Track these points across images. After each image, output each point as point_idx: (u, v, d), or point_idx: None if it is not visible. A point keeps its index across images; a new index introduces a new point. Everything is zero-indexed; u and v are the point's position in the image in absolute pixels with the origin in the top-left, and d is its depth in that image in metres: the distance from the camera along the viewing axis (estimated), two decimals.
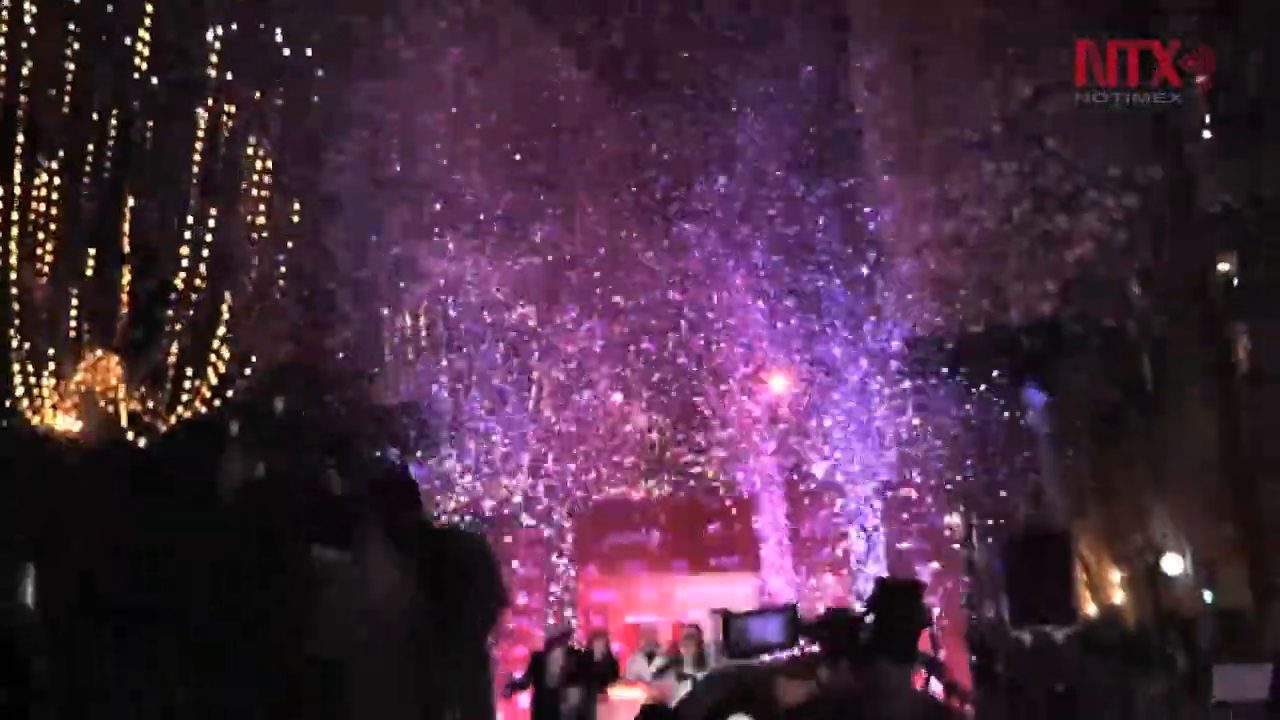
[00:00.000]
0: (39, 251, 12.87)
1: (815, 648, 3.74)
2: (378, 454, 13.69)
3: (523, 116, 13.63)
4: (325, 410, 15.08)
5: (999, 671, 10.90)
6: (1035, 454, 15.60)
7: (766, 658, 4.62)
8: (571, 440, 14.72)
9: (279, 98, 12.77)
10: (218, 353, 13.17)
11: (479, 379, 14.63)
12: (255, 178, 12.99)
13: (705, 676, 9.54)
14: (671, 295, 14.29)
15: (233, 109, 12.77)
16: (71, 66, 12.46)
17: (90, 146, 12.87)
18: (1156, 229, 13.35)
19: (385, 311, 14.17)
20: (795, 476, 14.60)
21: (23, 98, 12.31)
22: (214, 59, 12.58)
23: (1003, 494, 15.09)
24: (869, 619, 3.35)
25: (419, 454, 15.05)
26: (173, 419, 13.53)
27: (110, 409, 13.53)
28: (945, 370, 14.27)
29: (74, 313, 13.04)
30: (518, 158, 13.79)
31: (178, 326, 13.16)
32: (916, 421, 14.46)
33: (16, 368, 13.36)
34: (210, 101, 12.69)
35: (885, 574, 14.05)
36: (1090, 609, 16.92)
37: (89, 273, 12.96)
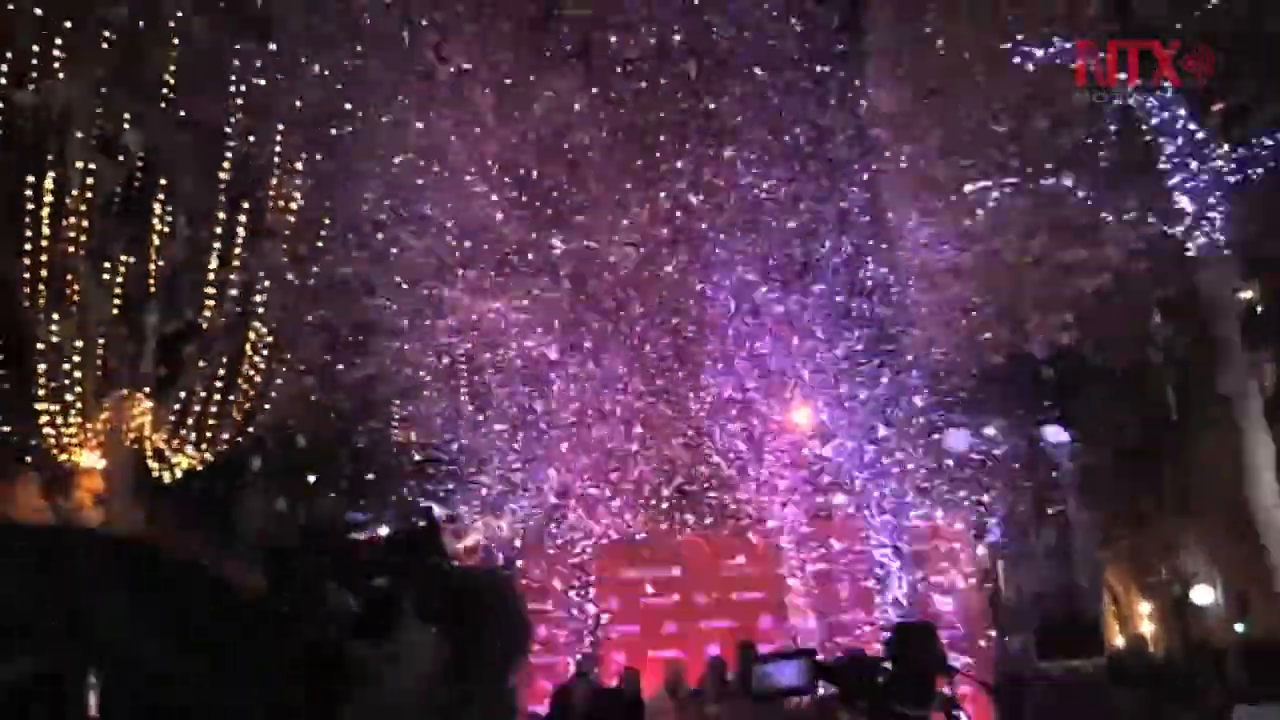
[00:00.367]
0: (66, 291, 13.10)
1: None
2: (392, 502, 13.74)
3: (541, 152, 13.76)
4: (344, 446, 15.19)
5: (1025, 708, 10.72)
6: (1060, 485, 15.47)
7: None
8: (592, 474, 14.70)
9: (302, 136, 12.95)
10: (240, 390, 13.30)
11: (497, 413, 14.66)
12: (277, 216, 13.17)
13: None
14: (691, 329, 14.31)
15: (257, 149, 12.97)
16: (100, 106, 12.74)
17: (117, 186, 13.14)
18: (1177, 258, 13.30)
19: (404, 347, 14.23)
20: (818, 510, 14.49)
21: (52, 138, 12.58)
22: (239, 99, 12.79)
23: (1027, 526, 14.94)
24: (886, 662, 3.35)
25: (436, 489, 15.09)
26: (196, 456, 13.66)
27: (135, 447, 13.67)
28: (967, 402, 14.19)
29: (100, 352, 13.24)
30: (536, 193, 13.90)
31: (202, 364, 13.31)
32: (939, 454, 14.36)
33: (42, 406, 13.56)
34: (235, 140, 12.90)
35: (910, 606, 13.93)
36: (1119, 640, 16.69)
37: (115, 312, 13.17)
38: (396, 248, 13.65)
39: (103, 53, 12.51)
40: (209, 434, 13.60)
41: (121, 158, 12.84)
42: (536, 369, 14.55)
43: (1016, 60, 12.49)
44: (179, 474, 14.04)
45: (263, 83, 12.66)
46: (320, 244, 13.35)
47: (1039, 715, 10.68)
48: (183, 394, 13.50)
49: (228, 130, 12.82)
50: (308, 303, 13.53)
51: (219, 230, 12.95)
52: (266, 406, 13.54)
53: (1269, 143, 13.23)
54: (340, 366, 14.17)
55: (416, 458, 15.04)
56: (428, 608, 3.95)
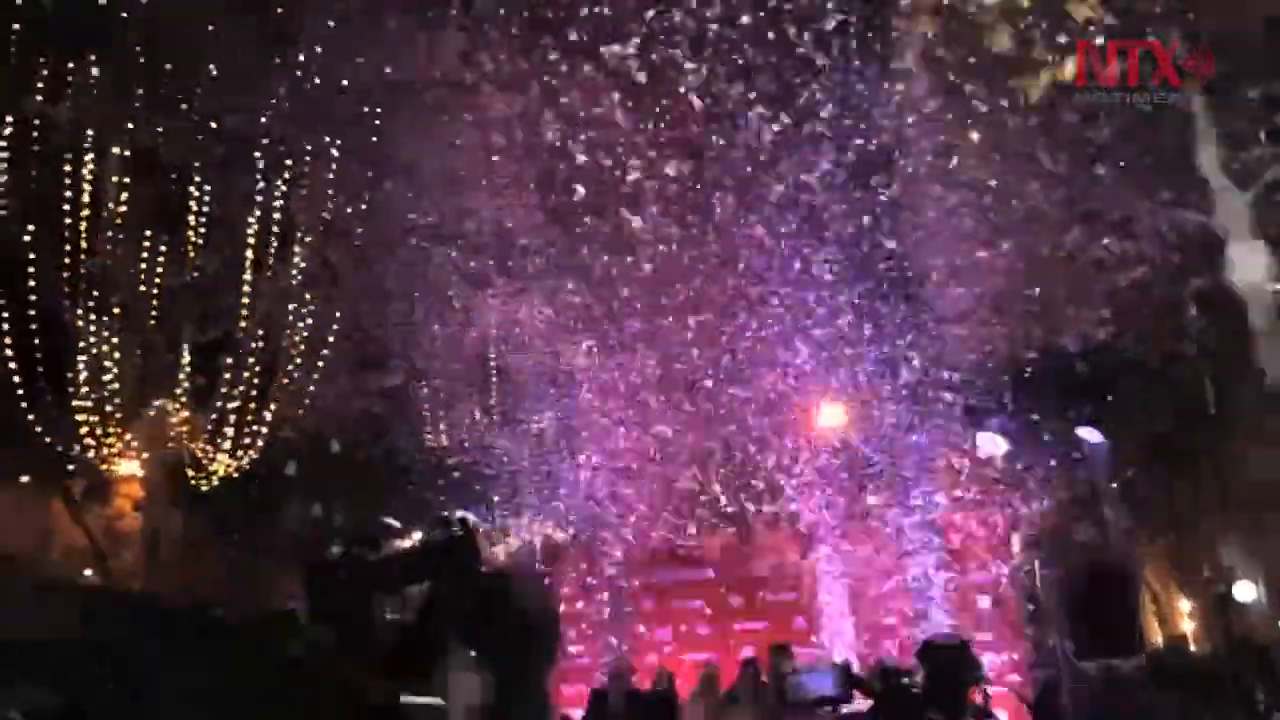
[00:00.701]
0: (106, 303, 13.33)
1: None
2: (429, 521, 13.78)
3: (571, 160, 13.80)
4: (377, 452, 15.32)
5: (1063, 708, 10.61)
6: (1096, 481, 15.28)
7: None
8: (623, 478, 14.73)
9: (333, 146, 13.09)
10: (275, 397, 13.48)
11: (529, 419, 14.73)
12: (310, 225, 13.33)
13: None
14: (721, 330, 14.28)
15: (289, 159, 13.13)
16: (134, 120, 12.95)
17: (153, 198, 13.36)
18: (1212, 250, 13.11)
19: (437, 353, 14.34)
20: (852, 511, 14.44)
21: (89, 155, 12.80)
22: (271, 110, 12.95)
23: (1064, 522, 14.78)
24: (919, 674, 3.36)
25: (469, 493, 15.20)
26: (233, 464, 13.85)
27: (174, 456, 13.90)
28: (1001, 399, 14.07)
29: (139, 362, 13.48)
30: (567, 199, 13.95)
31: (238, 373, 13.50)
32: (974, 452, 14.25)
33: (83, 416, 13.81)
34: (267, 150, 13.07)
35: (945, 607, 13.84)
36: (1159, 639, 16.47)
37: (153, 322, 13.39)
38: (429, 255, 13.75)
39: (137, 67, 12.72)
40: (245, 441, 13.79)
41: (156, 171, 13.07)
42: (568, 374, 14.61)
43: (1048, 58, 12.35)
44: (216, 482, 14.25)
45: (295, 92, 12.82)
46: (353, 252, 13.48)
47: (1078, 716, 10.55)
48: (219, 403, 13.69)
49: (261, 140, 12.99)
50: (341, 310, 13.67)
51: (253, 240, 13.12)
52: (301, 413, 13.69)
53: None
54: (373, 373, 14.30)
55: (449, 462, 15.15)
56: (463, 613, 3.98)
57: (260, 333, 13.42)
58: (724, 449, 14.75)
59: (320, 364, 13.66)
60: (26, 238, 13.15)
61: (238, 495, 16.41)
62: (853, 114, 13.07)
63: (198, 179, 13.03)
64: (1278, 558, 15.55)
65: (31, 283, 13.29)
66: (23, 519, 20.31)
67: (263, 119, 12.68)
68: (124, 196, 13.13)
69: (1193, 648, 15.56)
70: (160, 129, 12.92)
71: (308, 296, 13.44)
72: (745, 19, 12.76)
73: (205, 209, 13.18)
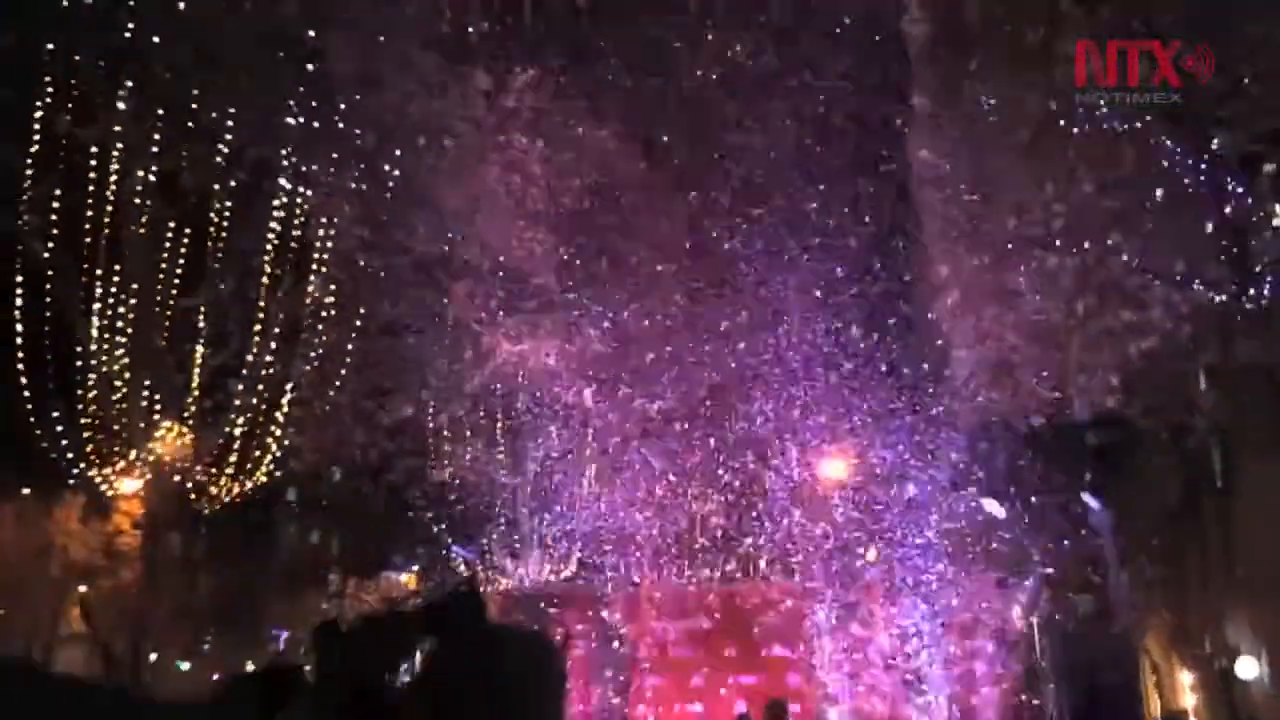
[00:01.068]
0: (119, 325, 13.44)
1: None
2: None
3: (584, 201, 13.89)
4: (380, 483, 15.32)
5: None
6: (1101, 550, 15.15)
7: None
8: (625, 522, 14.66)
9: (349, 181, 13.22)
10: (282, 425, 13.52)
11: (533, 459, 14.72)
12: (323, 256, 13.44)
13: None
14: (729, 381, 14.26)
15: (306, 191, 13.26)
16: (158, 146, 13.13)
17: (170, 224, 13.51)
18: (1223, 324, 13.11)
19: (443, 387, 14.37)
20: (851, 568, 14.30)
21: (112, 179, 12.98)
22: (290, 143, 13.10)
23: (1066, 591, 14.63)
24: None
25: (470, 529, 15.16)
26: (236, 490, 13.88)
27: (177, 478, 13.93)
28: (1007, 462, 13.98)
29: (148, 383, 13.56)
30: (579, 241, 14.03)
31: (247, 399, 13.55)
32: (978, 516, 14.14)
33: (89, 434, 13.88)
34: (285, 183, 13.21)
35: (943, 671, 13.68)
36: (1159, 713, 16.24)
37: (164, 345, 13.49)
38: (440, 290, 13.82)
39: (162, 94, 12.91)
40: (249, 468, 13.81)
41: (177, 195, 13.22)
42: (573, 414, 14.60)
43: (1062, 122, 12.45)
44: (217, 506, 14.27)
45: (315, 125, 12.97)
46: (365, 284, 13.57)
47: None
48: (226, 428, 13.73)
49: (281, 171, 13.13)
50: (351, 341, 13.73)
51: (268, 269, 13.23)
52: (307, 443, 13.72)
53: None
54: (380, 404, 14.33)
55: (451, 497, 15.13)
56: (466, 675, 3.97)
57: (270, 359, 13.48)
58: (725, 500, 14.68)
59: (330, 393, 13.71)
60: (46, 254, 13.34)
61: (237, 519, 16.43)
62: (867, 179, 13.17)
63: (217, 204, 13.16)
64: None
65: (48, 299, 13.46)
66: (22, 532, 20.37)
67: (284, 150, 12.79)
68: (144, 218, 13.30)
69: None
70: (184, 154, 13.09)
71: (319, 326, 13.50)
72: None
73: (223, 234, 13.32)
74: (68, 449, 14.04)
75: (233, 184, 13.20)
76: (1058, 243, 12.96)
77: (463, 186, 13.38)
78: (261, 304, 13.30)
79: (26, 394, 13.47)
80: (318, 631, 4.04)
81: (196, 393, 13.54)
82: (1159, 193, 13.01)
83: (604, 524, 14.72)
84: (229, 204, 13.20)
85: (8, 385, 13.40)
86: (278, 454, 13.78)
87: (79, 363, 13.81)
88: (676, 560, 14.80)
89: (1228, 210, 13.26)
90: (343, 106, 12.73)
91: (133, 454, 13.98)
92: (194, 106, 12.80)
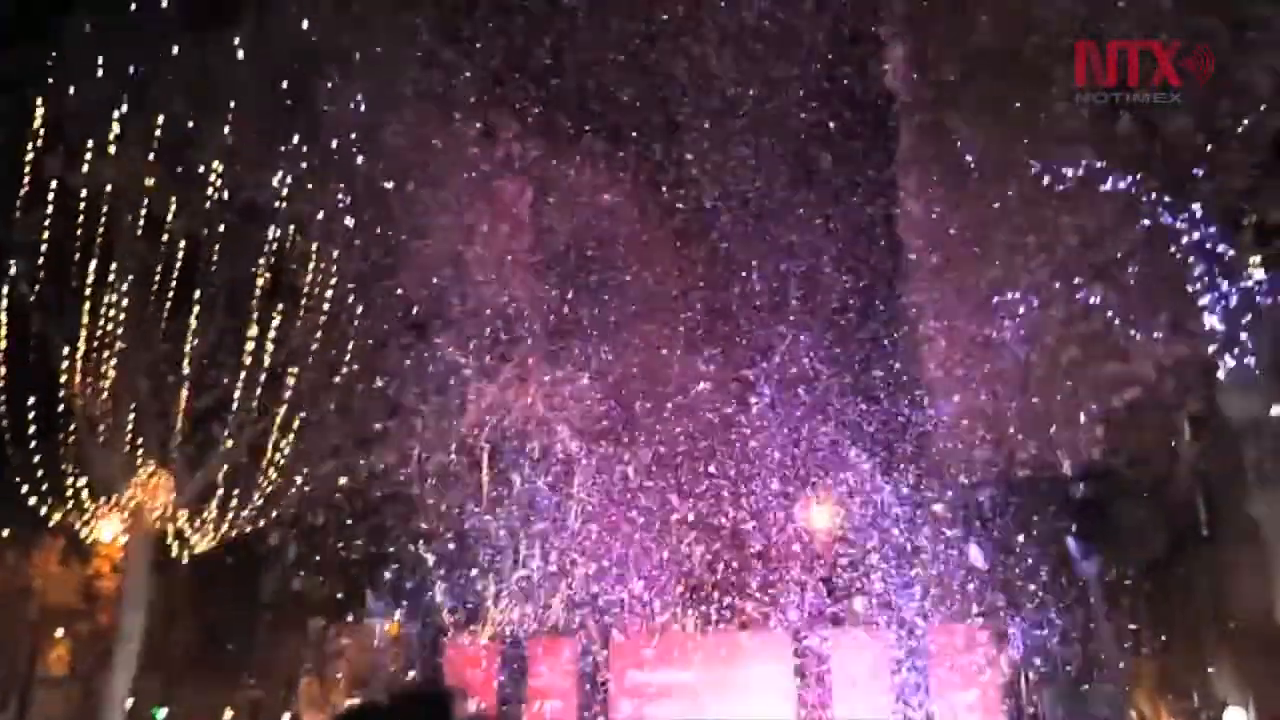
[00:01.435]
0: (102, 368, 13.34)
1: None
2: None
3: (575, 250, 13.97)
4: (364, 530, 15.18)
5: None
6: (1087, 600, 15.12)
7: None
8: (610, 568, 14.57)
9: (339, 226, 13.25)
10: (265, 472, 13.38)
11: (519, 503, 14.64)
12: (311, 301, 13.41)
13: None
14: (715, 428, 14.27)
15: (296, 235, 13.27)
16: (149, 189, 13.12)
17: (159, 267, 13.47)
18: (1207, 376, 13.16)
19: (431, 434, 14.30)
20: (837, 617, 14.23)
21: (101, 219, 12.95)
22: (282, 189, 13.13)
23: (1053, 641, 14.57)
24: None
25: (454, 577, 15.02)
26: (216, 538, 13.71)
27: (157, 524, 13.75)
28: (992, 512, 13.98)
29: (130, 428, 13.43)
30: (568, 289, 14.08)
31: (230, 444, 13.43)
32: (963, 564, 14.11)
33: (69, 479, 13.72)
34: (276, 228, 13.22)
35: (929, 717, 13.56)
36: None
37: (147, 389, 13.38)
38: (430, 336, 13.82)
39: (155, 138, 12.93)
40: (231, 515, 13.66)
41: (166, 238, 13.20)
42: (561, 463, 14.55)
43: (1046, 180, 12.57)
44: (198, 552, 14.09)
45: (306, 169, 13.02)
46: (354, 329, 13.54)
47: None
48: (209, 473, 13.60)
49: (273, 215, 13.14)
50: (337, 386, 13.67)
51: (256, 313, 13.19)
52: (291, 491, 13.59)
53: None
54: (367, 450, 14.23)
55: (435, 543, 15.01)
56: None
57: (255, 403, 13.39)
58: (711, 548, 14.61)
59: (314, 438, 13.61)
60: (31, 295, 13.28)
61: (218, 563, 16.22)
62: (858, 231, 13.28)
63: (207, 249, 13.15)
64: (1269, 686, 15.33)
65: (31, 339, 13.37)
66: (0, 574, 20.09)
67: (274, 194, 12.83)
68: (132, 259, 13.26)
69: None
70: (175, 195, 13.09)
71: (305, 370, 13.44)
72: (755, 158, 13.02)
73: (211, 275, 13.29)
74: (48, 491, 13.88)
75: (222, 227, 13.18)
76: (1041, 293, 13.03)
77: (453, 233, 13.42)
78: (248, 347, 13.22)
79: (6, 435, 13.34)
80: None
81: (180, 436, 13.41)
82: (1141, 244, 13.11)
83: (588, 571, 14.62)
84: (218, 246, 13.17)
85: None
86: (260, 499, 13.63)
87: (61, 404, 13.70)
88: (661, 608, 14.68)
89: (1209, 262, 13.38)
90: (335, 152, 12.79)
91: (114, 497, 13.82)
92: (187, 148, 12.85)
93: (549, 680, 14.10)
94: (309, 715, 20.99)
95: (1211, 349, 12.89)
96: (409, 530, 14.94)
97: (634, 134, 14.28)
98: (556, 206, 14.12)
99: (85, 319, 13.15)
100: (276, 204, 12.87)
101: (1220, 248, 13.20)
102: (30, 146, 12.69)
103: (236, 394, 13.17)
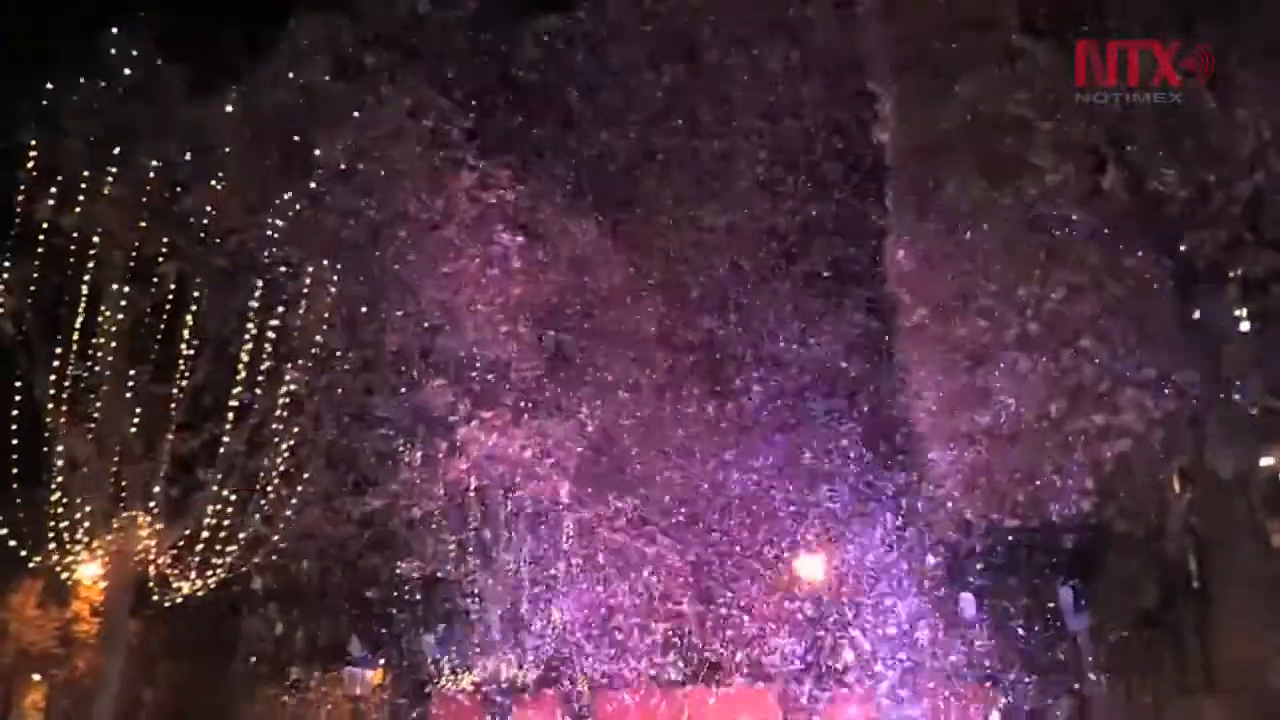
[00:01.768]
0: (88, 410, 13.25)
1: None
2: None
3: (562, 299, 13.98)
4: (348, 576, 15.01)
5: None
6: (1077, 654, 14.99)
7: None
8: (595, 619, 14.40)
9: (328, 272, 13.25)
10: (249, 517, 13.26)
11: (504, 552, 14.50)
12: (300, 346, 13.38)
13: None
14: (702, 477, 14.20)
15: (285, 281, 13.26)
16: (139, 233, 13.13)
17: (148, 309, 13.44)
18: (1195, 428, 13.17)
19: (415, 481, 14.20)
20: (826, 668, 14.09)
21: (88, 264, 12.93)
22: (272, 233, 13.15)
23: (1043, 697, 14.43)
24: None
25: (437, 625, 14.84)
26: (199, 584, 13.53)
27: (139, 568, 13.58)
28: (982, 564, 13.90)
29: (115, 470, 13.31)
30: (554, 336, 14.07)
31: (214, 489, 13.30)
32: (954, 617, 14.01)
33: (51, 523, 13.55)
34: (264, 273, 13.22)
35: None
36: None
37: (133, 432, 13.27)
38: (416, 383, 13.77)
39: (144, 182, 12.96)
40: (214, 561, 13.50)
41: (155, 283, 13.18)
42: (546, 511, 14.44)
43: (1035, 233, 12.66)
44: (179, 599, 13.90)
45: (298, 217, 13.04)
46: (341, 376, 13.49)
47: None
48: (191, 519, 13.46)
49: (262, 261, 13.14)
50: (324, 433, 13.59)
51: (243, 358, 13.15)
52: (275, 537, 13.46)
53: None
54: (351, 497, 14.13)
55: (421, 592, 14.84)
56: None
57: (242, 449, 13.30)
58: (698, 598, 14.47)
59: (300, 485, 13.50)
60: (19, 336, 13.22)
61: (200, 608, 15.98)
62: (851, 282, 13.34)
63: (195, 293, 13.14)
64: None
65: (18, 383, 13.28)
66: None
67: (266, 244, 12.85)
68: (120, 304, 13.22)
69: None
70: (164, 240, 13.10)
71: (293, 416, 13.37)
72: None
73: (199, 323, 13.26)
74: (28, 534, 13.71)
75: (211, 272, 13.19)
76: (1031, 346, 13.06)
77: (441, 280, 13.44)
78: (235, 393, 13.15)
79: None
80: None
81: (164, 481, 13.29)
82: (1130, 297, 13.18)
83: (575, 622, 14.46)
84: (206, 291, 13.16)
85: None
86: (244, 545, 13.48)
87: (45, 447, 13.58)
88: (648, 660, 14.51)
89: (1197, 315, 13.45)
90: (325, 198, 12.83)
91: (95, 542, 13.64)
92: (176, 194, 12.88)
93: None
94: None
95: (1199, 401, 12.93)
96: (394, 578, 14.78)
97: (622, 182, 14.38)
98: (545, 254, 14.14)
99: (71, 360, 13.09)
100: (266, 250, 12.88)
101: (1206, 302, 13.30)
102: (19, 190, 12.71)
103: (225, 439, 13.08)
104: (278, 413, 13.27)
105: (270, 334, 13.25)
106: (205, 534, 13.40)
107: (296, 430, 13.34)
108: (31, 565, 14.55)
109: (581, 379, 13.93)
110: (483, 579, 14.42)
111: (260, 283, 13.14)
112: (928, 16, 13.12)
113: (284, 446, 13.31)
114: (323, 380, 13.39)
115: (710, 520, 14.14)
